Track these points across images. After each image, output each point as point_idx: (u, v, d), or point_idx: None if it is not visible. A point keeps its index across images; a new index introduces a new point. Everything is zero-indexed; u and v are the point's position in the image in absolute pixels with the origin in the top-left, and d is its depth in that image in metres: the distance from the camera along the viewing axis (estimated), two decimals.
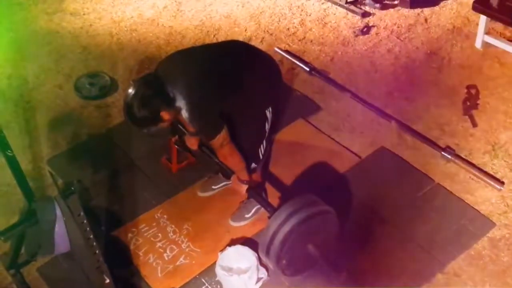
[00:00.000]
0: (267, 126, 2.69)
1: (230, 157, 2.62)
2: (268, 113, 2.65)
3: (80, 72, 3.96)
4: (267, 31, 4.31)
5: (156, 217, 2.98)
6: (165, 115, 2.36)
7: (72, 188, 2.03)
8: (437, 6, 4.33)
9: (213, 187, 3.08)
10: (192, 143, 2.95)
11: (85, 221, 2.11)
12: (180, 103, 2.36)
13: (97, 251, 2.25)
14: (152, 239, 2.87)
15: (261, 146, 2.76)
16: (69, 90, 3.83)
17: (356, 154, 3.27)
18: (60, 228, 2.34)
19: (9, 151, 2.35)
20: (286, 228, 2.40)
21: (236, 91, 2.49)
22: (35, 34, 4.39)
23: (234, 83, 2.49)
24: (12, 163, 2.39)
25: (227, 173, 2.84)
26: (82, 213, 2.10)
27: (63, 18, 4.54)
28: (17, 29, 4.45)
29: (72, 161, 3.30)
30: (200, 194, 3.08)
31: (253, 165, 2.78)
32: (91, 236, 2.17)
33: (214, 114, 2.45)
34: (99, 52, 4.19)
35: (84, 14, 4.58)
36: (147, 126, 2.38)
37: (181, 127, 2.93)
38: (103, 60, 4.11)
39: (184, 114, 2.39)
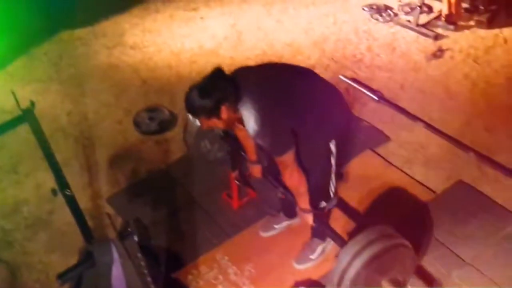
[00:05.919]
0: (332, 160, 2.67)
1: (298, 176, 2.56)
2: (332, 146, 2.64)
3: (140, 106, 4.15)
4: (332, 58, 4.35)
5: (217, 258, 3.04)
6: (224, 112, 2.39)
7: (129, 230, 2.11)
8: None
9: (275, 226, 3.12)
10: (256, 171, 2.98)
11: (142, 263, 2.19)
12: (248, 111, 2.39)
13: None
14: (213, 281, 2.93)
15: (331, 182, 2.73)
16: (128, 125, 4.02)
17: (430, 189, 3.22)
18: (117, 271, 2.42)
19: (67, 190, 2.47)
20: (358, 262, 2.33)
21: (303, 115, 2.49)
22: (95, 68, 4.67)
23: (303, 105, 2.50)
24: (71, 202, 2.51)
25: (289, 212, 2.84)
26: (139, 255, 2.19)
27: (123, 52, 4.81)
28: (78, 64, 4.75)
29: (131, 199, 3.44)
30: (263, 234, 3.13)
31: (323, 203, 2.75)
32: (149, 279, 2.24)
33: (285, 128, 2.45)
34: (159, 85, 4.39)
35: (143, 47, 4.83)
36: (202, 116, 2.42)
37: (243, 153, 2.97)
38: (163, 93, 4.30)
39: (253, 126, 2.39)
